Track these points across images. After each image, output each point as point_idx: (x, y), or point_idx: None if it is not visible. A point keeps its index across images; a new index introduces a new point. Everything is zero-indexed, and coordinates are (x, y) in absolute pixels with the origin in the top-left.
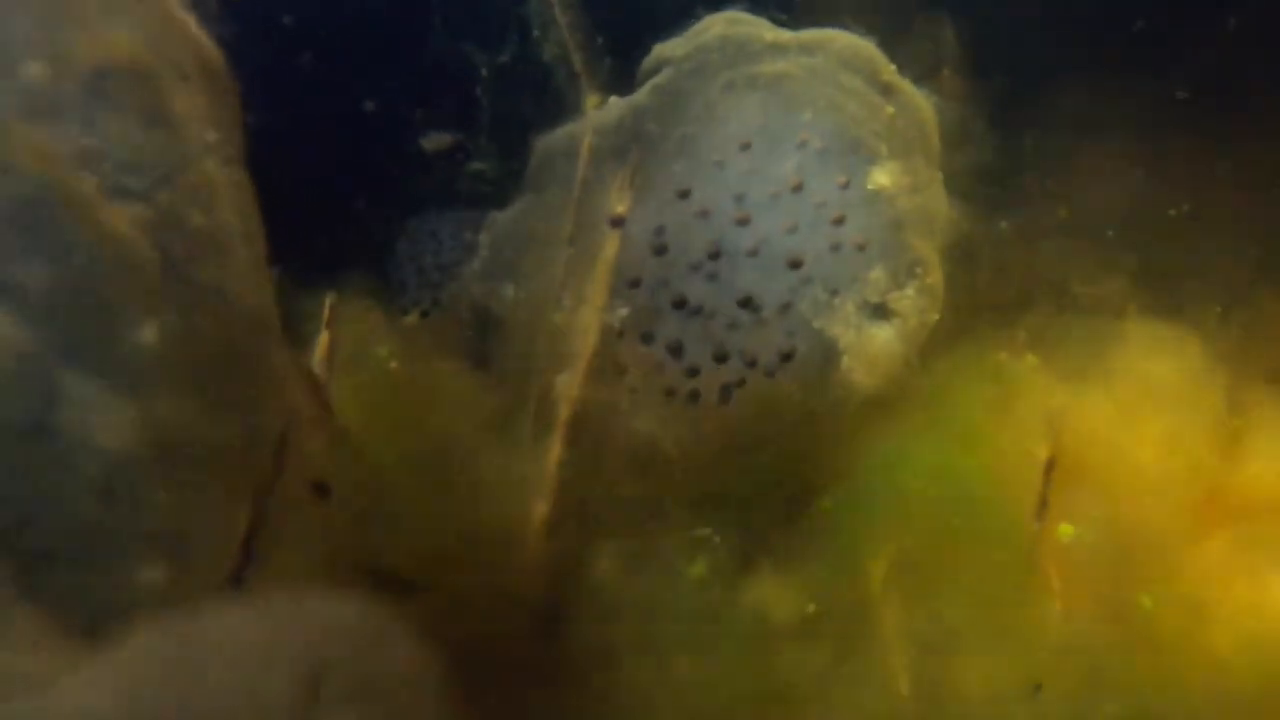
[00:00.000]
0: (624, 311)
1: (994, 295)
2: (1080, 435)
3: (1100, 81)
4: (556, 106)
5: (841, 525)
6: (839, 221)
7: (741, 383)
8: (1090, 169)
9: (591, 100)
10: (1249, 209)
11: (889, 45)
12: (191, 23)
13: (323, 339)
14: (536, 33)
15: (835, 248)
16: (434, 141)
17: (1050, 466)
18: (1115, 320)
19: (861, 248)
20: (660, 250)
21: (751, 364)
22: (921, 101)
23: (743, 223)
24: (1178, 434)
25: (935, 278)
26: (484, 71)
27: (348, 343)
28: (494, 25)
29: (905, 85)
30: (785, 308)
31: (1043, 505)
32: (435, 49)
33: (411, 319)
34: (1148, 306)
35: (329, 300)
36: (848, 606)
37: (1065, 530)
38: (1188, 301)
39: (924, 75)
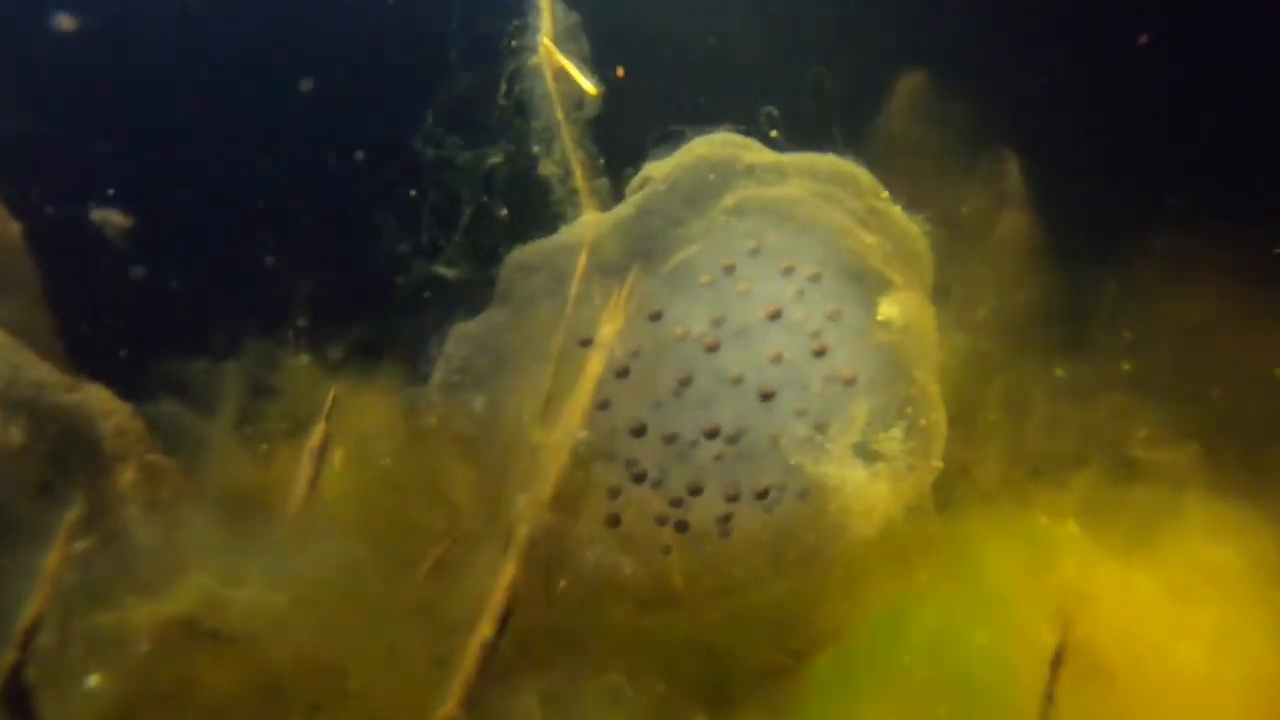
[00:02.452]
0: (583, 435)
1: (1043, 449)
2: (1114, 622)
3: (1195, 226)
4: (539, 219)
5: (819, 699)
6: (824, 353)
7: (727, 518)
8: (1171, 320)
9: (586, 216)
10: None
11: (951, 181)
12: None
13: (320, 427)
14: (537, 147)
15: (827, 380)
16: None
17: (1059, 659)
18: (1175, 493)
19: (850, 383)
20: (625, 374)
21: (733, 499)
22: (914, 228)
23: (717, 349)
24: (1235, 631)
25: (933, 417)
26: (467, 174)
27: (360, 430)
28: (486, 128)
29: (895, 210)
30: (769, 440)
31: (1048, 703)
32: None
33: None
34: (1216, 482)
35: (332, 392)
36: None
37: None
38: (1267, 481)
39: (986, 212)
